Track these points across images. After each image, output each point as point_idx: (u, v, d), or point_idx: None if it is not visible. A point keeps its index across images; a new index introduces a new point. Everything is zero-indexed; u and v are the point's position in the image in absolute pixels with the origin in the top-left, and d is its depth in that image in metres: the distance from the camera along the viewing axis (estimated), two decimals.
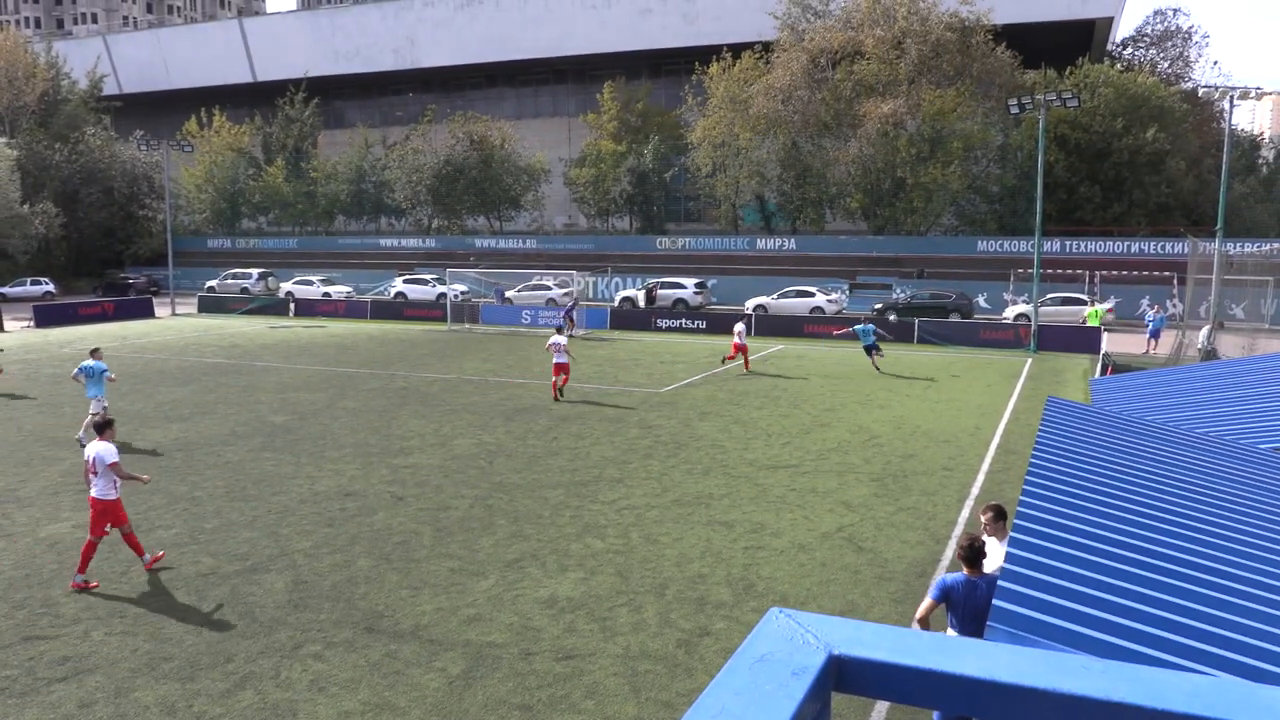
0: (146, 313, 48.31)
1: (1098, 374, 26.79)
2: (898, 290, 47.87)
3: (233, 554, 12.04)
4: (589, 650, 9.27)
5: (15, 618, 10.08)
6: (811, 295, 45.35)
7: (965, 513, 13.88)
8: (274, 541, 12.52)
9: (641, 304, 48.01)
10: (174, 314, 49.48)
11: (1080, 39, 60.43)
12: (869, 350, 28.40)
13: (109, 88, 79.16)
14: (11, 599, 10.58)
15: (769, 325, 39.18)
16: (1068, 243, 50.21)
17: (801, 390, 25.08)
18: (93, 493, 11.15)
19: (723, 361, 30.08)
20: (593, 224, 68.29)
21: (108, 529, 11.17)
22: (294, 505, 14.19)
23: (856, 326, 28.98)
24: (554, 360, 23.18)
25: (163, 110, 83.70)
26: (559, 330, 24.76)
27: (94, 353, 19.28)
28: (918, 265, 51.99)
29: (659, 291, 48.66)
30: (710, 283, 52.33)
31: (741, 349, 28.65)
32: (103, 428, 11.47)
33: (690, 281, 49.47)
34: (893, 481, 15.64)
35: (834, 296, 45.66)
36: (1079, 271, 47.40)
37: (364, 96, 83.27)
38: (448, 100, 77.92)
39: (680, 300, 47.76)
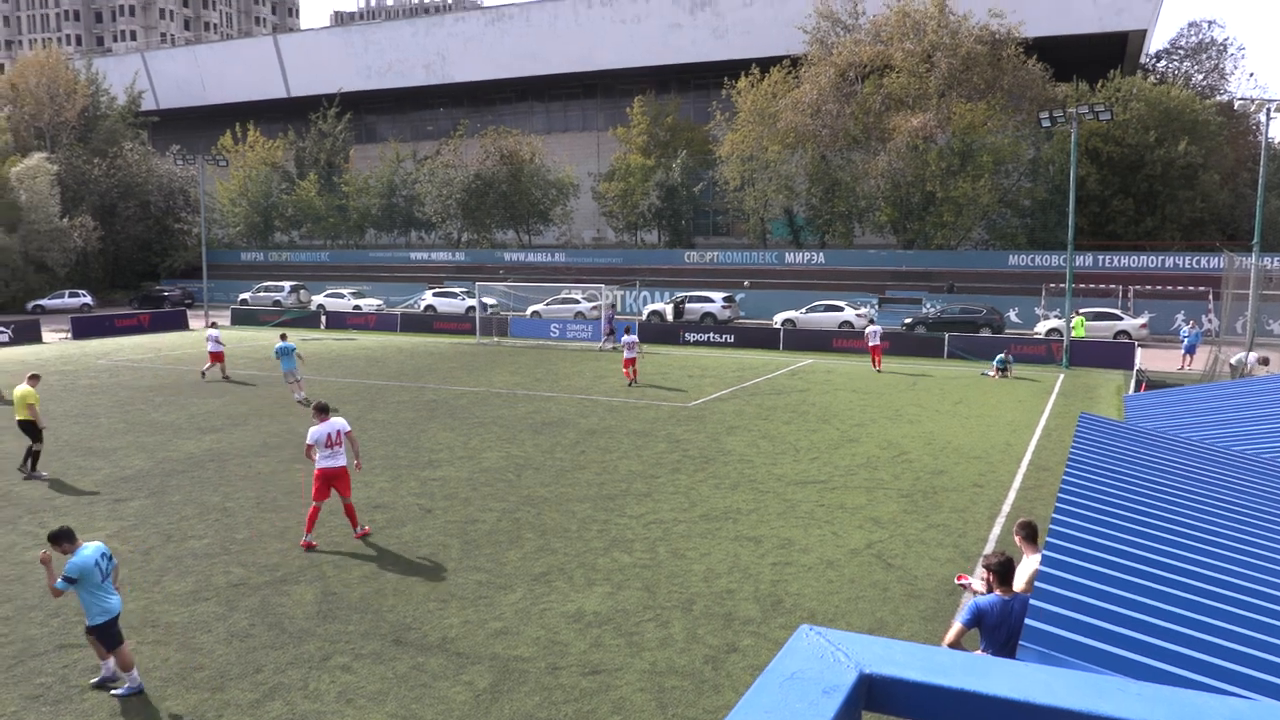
0: (181, 325, 48.94)
1: (1132, 390, 26.45)
2: (927, 304, 47.49)
3: (263, 565, 12.13)
4: (615, 665, 9.25)
5: (50, 625, 10.21)
6: (840, 310, 45.14)
7: (996, 530, 13.72)
8: (303, 553, 12.60)
9: (669, 317, 47.98)
10: (207, 326, 50.02)
11: (1113, 51, 59.97)
12: (1000, 369, 30.71)
13: (147, 103, 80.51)
14: (47, 607, 10.73)
15: (798, 339, 39.01)
16: (1100, 257, 49.70)
17: (830, 405, 24.95)
18: (329, 464, 12.78)
19: (877, 369, 32.19)
20: (621, 238, 68.45)
21: (349, 491, 13.18)
22: (323, 517, 14.26)
23: (999, 356, 31.30)
24: (624, 355, 28.66)
25: (199, 125, 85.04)
26: (627, 331, 30.41)
27: (283, 336, 25.91)
28: (947, 279, 51.64)
29: (687, 305, 48.66)
30: (738, 296, 52.25)
31: (875, 350, 32.02)
32: (324, 410, 13.23)
33: (718, 295, 49.39)
34: (922, 498, 15.50)
35: (863, 311, 45.40)
36: (1112, 286, 46.88)
37: (395, 111, 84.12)
38: (478, 115, 78.57)
39: (708, 314, 47.72)
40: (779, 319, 46.24)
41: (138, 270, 71.03)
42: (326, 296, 56.79)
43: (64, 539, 9.01)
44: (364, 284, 62.67)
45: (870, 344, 32.09)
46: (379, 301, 57.06)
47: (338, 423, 13.06)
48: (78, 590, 8.66)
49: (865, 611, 10.63)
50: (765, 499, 15.34)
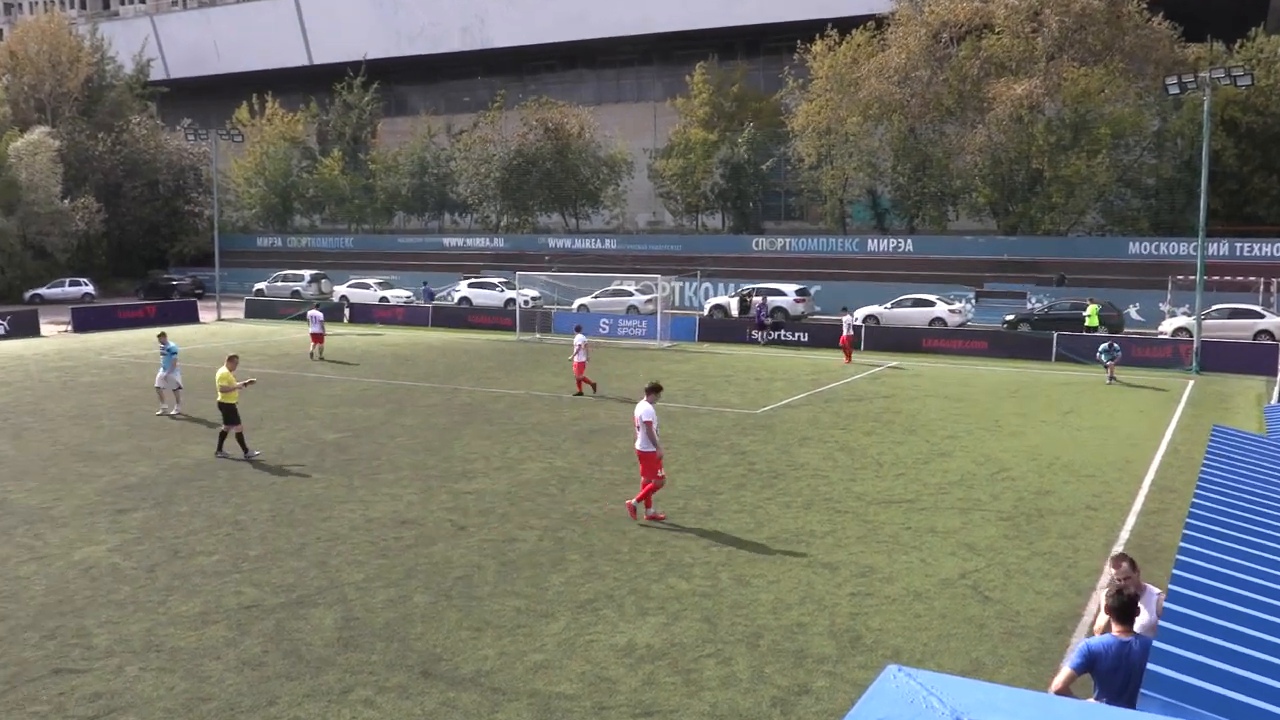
0: (190, 317, 49.96)
1: (1275, 399, 25.76)
2: (1033, 299, 46.72)
3: (278, 585, 12.32)
4: (671, 706, 9.23)
5: (46, 648, 10.48)
6: (931, 305, 44.63)
7: None
8: (323, 572, 12.78)
9: (734, 313, 47.82)
10: (219, 319, 51.07)
11: (1254, 7, 58.40)
12: (1107, 363, 30.60)
13: (156, 73, 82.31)
14: (43, 627, 11.01)
15: (881, 338, 38.65)
16: (1238, 244, 48.44)
17: (918, 414, 24.68)
18: (637, 445, 14.99)
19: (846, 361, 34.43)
20: (680, 222, 68.40)
21: (661, 473, 15.07)
22: (345, 532, 14.48)
23: (1101, 347, 31.46)
24: (575, 359, 27.31)
25: (212, 97, 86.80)
26: (578, 329, 28.94)
27: (163, 336, 24.94)
28: (1057, 270, 50.75)
29: (754, 299, 48.44)
30: (813, 289, 51.91)
31: (845, 340, 34.80)
32: (654, 390, 15.26)
33: (790, 288, 49.09)
34: (1026, 522, 15.27)
35: (958, 306, 44.83)
36: (1251, 279, 45.67)
37: (428, 81, 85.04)
38: (520, 84, 79.09)
39: (779, 309, 47.48)
40: (860, 315, 45.84)
41: (144, 256, 72.72)
42: (350, 287, 57.59)
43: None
44: (391, 273, 63.46)
45: (844, 334, 35.18)
46: (408, 293, 57.75)
47: (640, 407, 14.97)
48: None
49: (958, 651, 10.48)
50: (843, 520, 15.22)
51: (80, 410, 24.62)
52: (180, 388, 24.15)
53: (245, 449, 19.28)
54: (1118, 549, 13.94)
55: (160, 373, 23.98)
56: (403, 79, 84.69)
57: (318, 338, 34.88)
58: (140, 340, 40.74)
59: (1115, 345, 31.29)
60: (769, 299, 45.28)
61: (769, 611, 11.49)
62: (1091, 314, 39.78)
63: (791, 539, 14.28)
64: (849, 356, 34.69)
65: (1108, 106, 50.39)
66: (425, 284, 56.83)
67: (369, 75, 76.43)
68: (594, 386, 27.41)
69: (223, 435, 19.44)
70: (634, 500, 15.14)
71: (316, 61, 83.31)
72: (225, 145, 67.95)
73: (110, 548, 13.79)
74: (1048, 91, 50.24)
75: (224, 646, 10.51)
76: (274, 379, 29.84)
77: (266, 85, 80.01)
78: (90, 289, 62.14)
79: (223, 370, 19.48)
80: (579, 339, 27.45)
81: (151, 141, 72.37)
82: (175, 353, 24.08)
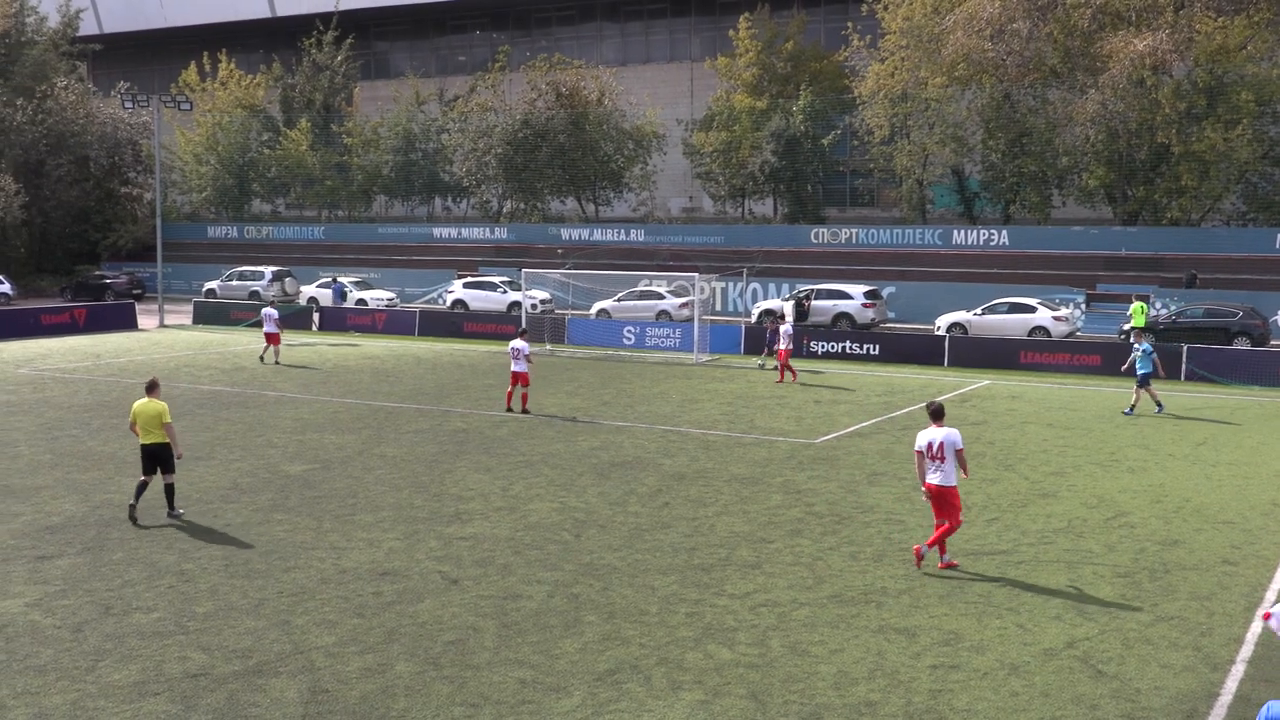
0: (127, 323, 50.34)
1: None
2: (1159, 304, 46.40)
3: (231, 649, 12.35)
4: None
5: None
6: (1032, 310, 44.44)
7: (1257, 626, 13.33)
8: (285, 634, 12.81)
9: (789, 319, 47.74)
10: (162, 325, 51.44)
11: None
12: (1144, 381, 28.81)
13: (86, 25, 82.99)
14: None
15: (970, 352, 38.46)
16: None
17: (1016, 444, 24.57)
18: (931, 479, 15.24)
19: (785, 378, 34.34)
20: (722, 209, 68.34)
21: (951, 515, 15.26)
22: (313, 586, 14.52)
23: (1137, 345, 29.43)
24: (513, 367, 27.66)
25: (154, 56, 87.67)
26: (523, 334, 28.53)
27: None
28: (1187, 269, 50.42)
29: (814, 303, 48.36)
30: (886, 291, 51.79)
31: (782, 355, 34.27)
32: (940, 414, 15.69)
33: (858, 290, 48.96)
34: (1148, 579, 15.15)
35: (1064, 313, 44.59)
36: None
37: (416, 35, 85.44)
38: (528, 40, 79.43)
39: (844, 315, 47.36)
40: (944, 323, 45.68)
41: (72, 249, 73.30)
42: (319, 287, 57.91)
43: None
44: (371, 270, 63.75)
45: (779, 346, 34.46)
46: (391, 294, 57.97)
47: (937, 433, 15.25)
48: None
49: None
50: (922, 575, 15.16)
51: None
52: None
53: (172, 504, 18.06)
54: (1262, 611, 13.82)
55: None
56: (385, 33, 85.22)
57: (272, 338, 37.68)
58: (68, 351, 41.11)
59: (1148, 349, 29.14)
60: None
61: (831, 687, 11.44)
62: (1136, 312, 39.64)
63: (859, 598, 14.22)
64: (791, 374, 34.20)
65: (1251, 66, 50.08)
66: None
67: (344, 28, 76.78)
68: (524, 403, 27.96)
69: (168, 488, 18.06)
70: (925, 545, 15.36)
71: (280, 12, 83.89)
72: (170, 114, 68.58)
73: (28, 602, 13.86)
74: (1176, 48, 49.91)
75: None
76: (227, 398, 30.02)
77: (220, 41, 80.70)
78: (7, 288, 62.66)
79: (158, 402, 18.16)
80: (520, 345, 27.68)
81: (81, 109, 72.94)
82: None
